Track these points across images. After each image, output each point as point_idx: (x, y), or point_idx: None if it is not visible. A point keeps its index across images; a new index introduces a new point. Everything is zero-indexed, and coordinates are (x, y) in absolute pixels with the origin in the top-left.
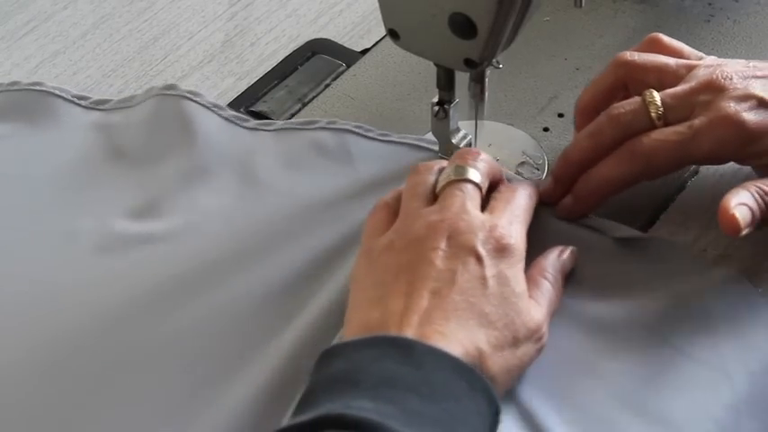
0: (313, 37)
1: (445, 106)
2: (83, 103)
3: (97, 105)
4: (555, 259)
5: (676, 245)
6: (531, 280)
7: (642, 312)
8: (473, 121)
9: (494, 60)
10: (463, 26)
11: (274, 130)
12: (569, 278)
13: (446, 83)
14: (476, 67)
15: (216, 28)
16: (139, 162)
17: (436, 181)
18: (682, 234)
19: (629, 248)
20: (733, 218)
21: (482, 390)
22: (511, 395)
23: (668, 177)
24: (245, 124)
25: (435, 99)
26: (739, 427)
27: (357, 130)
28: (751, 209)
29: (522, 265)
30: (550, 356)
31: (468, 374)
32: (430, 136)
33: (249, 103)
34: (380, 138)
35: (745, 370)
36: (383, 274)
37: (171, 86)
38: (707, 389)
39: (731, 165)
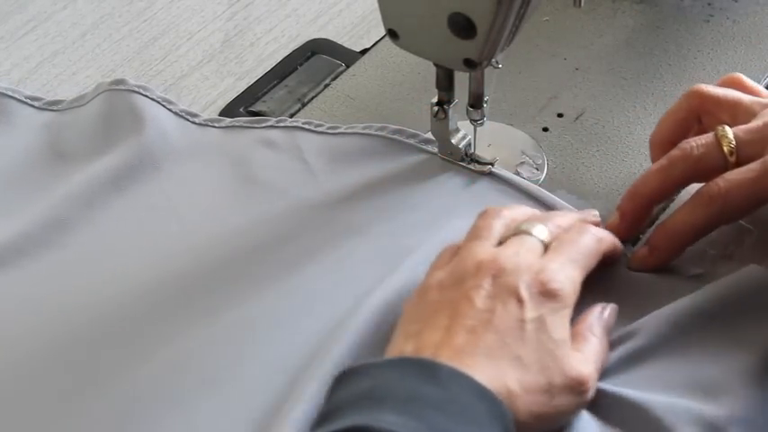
0: (313, 37)
1: (445, 106)
2: (36, 104)
3: (50, 106)
4: (599, 315)
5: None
6: (577, 335)
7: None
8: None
9: (493, 60)
10: (463, 26)
11: (224, 126)
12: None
13: (445, 83)
14: (475, 67)
15: (215, 28)
16: (84, 160)
17: (501, 228)
18: None
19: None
20: None
21: (501, 418)
22: None
23: None
24: (195, 119)
25: (435, 99)
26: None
27: (306, 126)
28: None
29: (567, 311)
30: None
31: (490, 401)
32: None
33: (248, 103)
34: (329, 131)
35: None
36: (426, 310)
37: (120, 81)
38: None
39: None
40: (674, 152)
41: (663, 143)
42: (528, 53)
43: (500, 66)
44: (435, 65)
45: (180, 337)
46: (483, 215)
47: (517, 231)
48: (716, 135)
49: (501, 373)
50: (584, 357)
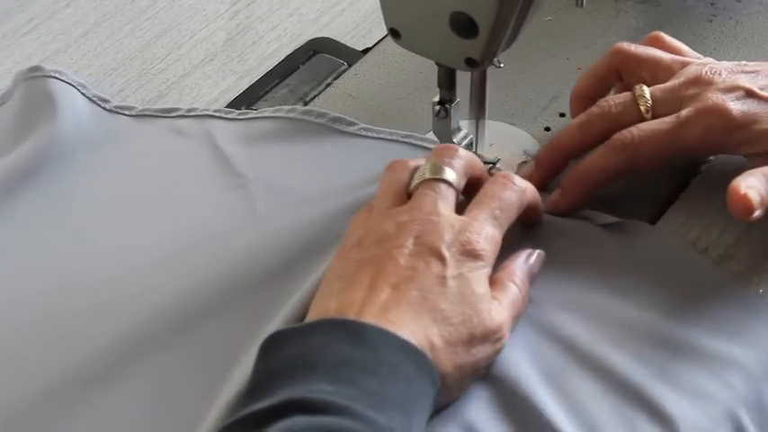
0: (315, 36)
1: (446, 106)
2: None
3: None
4: (522, 263)
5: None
6: (497, 282)
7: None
8: (474, 121)
9: (495, 60)
10: (464, 25)
11: (134, 115)
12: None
13: (447, 82)
14: (477, 67)
15: (218, 27)
16: (3, 152)
17: (410, 179)
18: (683, 234)
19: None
20: (745, 197)
21: (428, 371)
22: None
23: (670, 177)
24: (106, 105)
25: (436, 98)
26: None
27: (217, 114)
28: (760, 192)
29: (487, 270)
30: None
31: (416, 356)
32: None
33: (250, 102)
34: (240, 117)
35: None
36: (348, 268)
37: (36, 68)
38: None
39: (735, 164)
40: (593, 109)
41: (583, 98)
42: (530, 53)
43: (502, 65)
44: (437, 64)
45: (104, 326)
46: (390, 168)
47: (426, 179)
48: (633, 94)
49: (424, 327)
50: (500, 306)
